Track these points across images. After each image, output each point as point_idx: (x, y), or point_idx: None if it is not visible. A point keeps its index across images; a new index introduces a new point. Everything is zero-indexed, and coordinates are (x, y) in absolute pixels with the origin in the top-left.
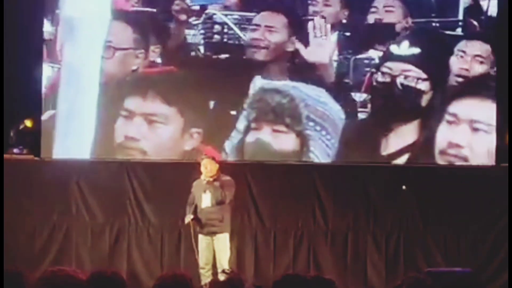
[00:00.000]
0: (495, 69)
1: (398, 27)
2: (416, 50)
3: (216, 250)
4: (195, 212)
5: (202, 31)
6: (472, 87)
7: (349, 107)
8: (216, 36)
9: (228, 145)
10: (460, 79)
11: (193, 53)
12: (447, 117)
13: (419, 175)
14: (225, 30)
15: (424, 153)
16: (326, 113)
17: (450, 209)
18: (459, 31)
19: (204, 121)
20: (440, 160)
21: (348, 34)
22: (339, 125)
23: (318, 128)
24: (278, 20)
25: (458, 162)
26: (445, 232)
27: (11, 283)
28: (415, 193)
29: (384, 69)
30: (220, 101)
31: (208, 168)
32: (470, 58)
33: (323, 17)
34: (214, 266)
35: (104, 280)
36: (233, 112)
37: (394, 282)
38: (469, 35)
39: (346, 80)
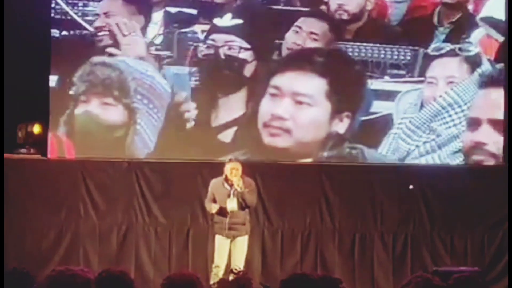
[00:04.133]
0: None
1: (227, 5)
2: (239, 21)
3: (233, 252)
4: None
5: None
6: (296, 60)
7: (176, 80)
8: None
9: (61, 119)
10: (287, 52)
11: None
12: (271, 89)
13: (426, 175)
14: (53, 5)
15: (250, 126)
16: (153, 86)
17: (457, 209)
18: (293, 5)
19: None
20: (264, 132)
21: (174, 10)
22: (166, 99)
23: (145, 101)
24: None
25: (282, 135)
26: (452, 232)
27: (19, 283)
28: (422, 193)
29: (208, 42)
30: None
31: (239, 171)
32: (305, 34)
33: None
34: (228, 267)
35: (112, 279)
36: (66, 88)
37: (401, 281)
38: (307, 11)
39: (171, 54)
